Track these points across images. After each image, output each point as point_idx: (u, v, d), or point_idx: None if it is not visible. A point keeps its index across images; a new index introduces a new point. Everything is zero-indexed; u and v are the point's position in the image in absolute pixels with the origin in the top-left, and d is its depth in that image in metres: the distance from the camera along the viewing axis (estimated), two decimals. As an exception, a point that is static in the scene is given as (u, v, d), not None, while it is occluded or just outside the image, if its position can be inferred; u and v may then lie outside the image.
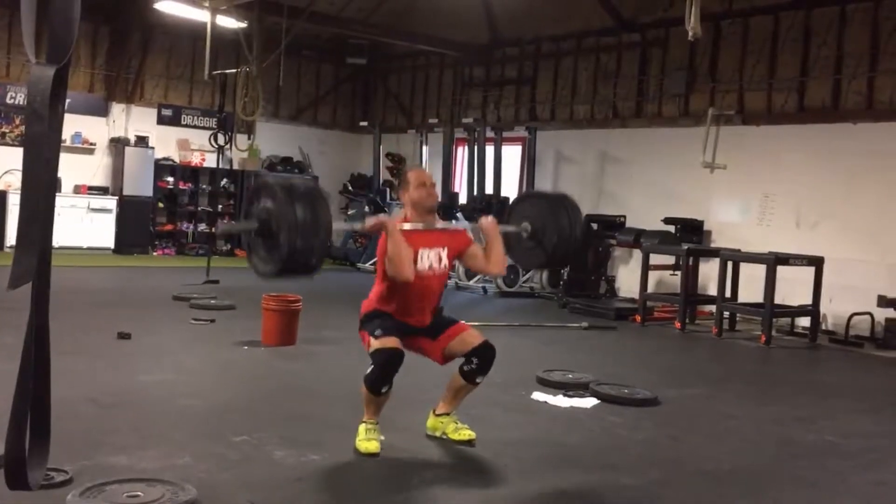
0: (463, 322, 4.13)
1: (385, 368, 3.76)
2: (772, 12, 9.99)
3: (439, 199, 4.18)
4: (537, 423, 4.68)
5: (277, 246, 3.26)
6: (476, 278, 11.39)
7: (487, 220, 4.16)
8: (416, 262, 3.85)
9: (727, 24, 10.42)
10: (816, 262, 8.41)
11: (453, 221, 12.29)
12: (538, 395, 5.23)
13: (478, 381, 4.03)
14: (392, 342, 3.79)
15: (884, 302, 8.02)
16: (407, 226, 3.90)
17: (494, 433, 4.32)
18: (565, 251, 4.30)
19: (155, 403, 4.61)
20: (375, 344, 3.80)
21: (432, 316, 4.03)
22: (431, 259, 3.95)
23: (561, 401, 5.11)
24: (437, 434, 4.16)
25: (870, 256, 8.83)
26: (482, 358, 3.97)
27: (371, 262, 13.38)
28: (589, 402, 5.12)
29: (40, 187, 1.46)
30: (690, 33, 6.35)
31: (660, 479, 3.82)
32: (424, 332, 3.99)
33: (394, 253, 3.73)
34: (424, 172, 4.20)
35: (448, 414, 4.16)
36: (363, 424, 3.92)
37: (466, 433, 4.11)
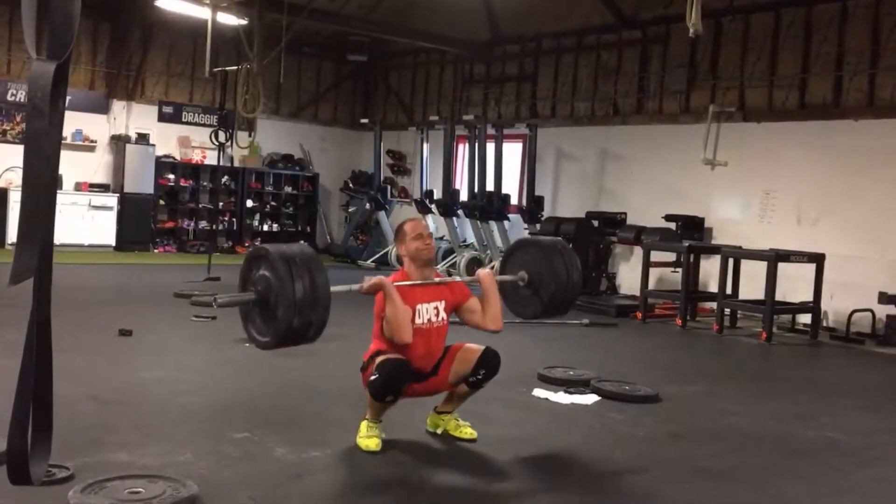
0: (455, 343, 4.10)
1: (390, 379, 3.73)
2: (773, 9, 9.98)
3: (436, 249, 4.13)
4: (538, 420, 4.69)
5: (275, 320, 3.19)
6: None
7: (484, 273, 4.15)
8: (414, 317, 3.85)
9: (728, 21, 10.41)
10: (817, 259, 8.40)
11: (455, 220, 12.34)
12: (539, 392, 5.23)
13: (483, 386, 4.06)
14: (398, 356, 3.79)
15: (884, 299, 8.02)
16: (404, 283, 3.88)
17: (495, 430, 4.32)
18: (563, 298, 4.25)
19: (156, 400, 4.62)
20: (379, 359, 3.79)
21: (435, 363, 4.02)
22: (430, 314, 3.93)
23: (562, 398, 5.12)
24: (439, 431, 4.16)
25: (871, 253, 8.83)
26: (488, 367, 3.99)
27: (372, 258, 13.40)
28: (590, 398, 5.12)
29: (41, 184, 1.46)
30: (691, 30, 6.34)
31: (661, 476, 3.82)
32: (428, 373, 3.98)
33: (392, 316, 3.72)
34: (420, 223, 4.14)
35: (450, 412, 4.17)
36: (365, 421, 3.92)
37: (468, 431, 4.11)
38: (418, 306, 3.89)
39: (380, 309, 3.81)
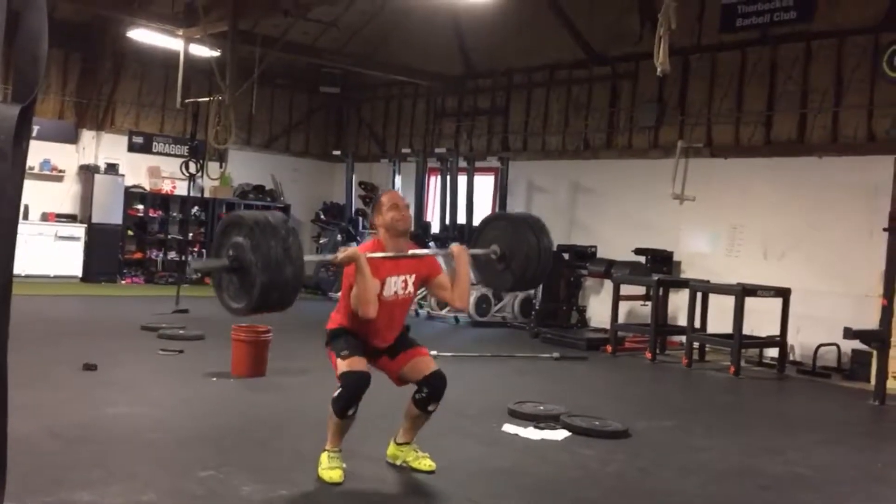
0: (422, 347, 4.15)
1: (353, 392, 3.79)
2: (739, 48, 10.19)
3: (412, 224, 4.20)
4: (508, 456, 4.66)
5: (251, 283, 3.24)
6: (448, 308, 11.38)
7: (457, 247, 4.21)
8: (382, 290, 3.90)
9: (695, 59, 10.60)
10: (784, 294, 8.50)
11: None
12: (509, 428, 5.21)
13: (430, 409, 4.07)
14: (359, 364, 3.83)
15: (850, 333, 8.08)
16: (378, 255, 3.92)
17: (465, 465, 4.29)
18: (535, 272, 4.37)
19: (120, 437, 4.53)
20: (343, 366, 3.83)
21: (396, 336, 4.06)
22: (398, 286, 3.98)
23: (532, 433, 5.09)
24: (398, 462, 4.16)
25: (836, 287, 8.95)
26: (432, 387, 4.01)
27: (343, 291, 13.33)
28: (560, 434, 5.11)
29: (1, 227, 1.44)
30: (659, 69, 6.45)
31: (630, 513, 3.81)
32: (385, 352, 4.03)
33: (361, 290, 3.76)
34: (398, 195, 4.24)
35: (408, 443, 4.16)
36: (325, 453, 3.92)
37: (427, 463, 4.11)
38: (388, 279, 3.93)
39: (350, 273, 3.84)
